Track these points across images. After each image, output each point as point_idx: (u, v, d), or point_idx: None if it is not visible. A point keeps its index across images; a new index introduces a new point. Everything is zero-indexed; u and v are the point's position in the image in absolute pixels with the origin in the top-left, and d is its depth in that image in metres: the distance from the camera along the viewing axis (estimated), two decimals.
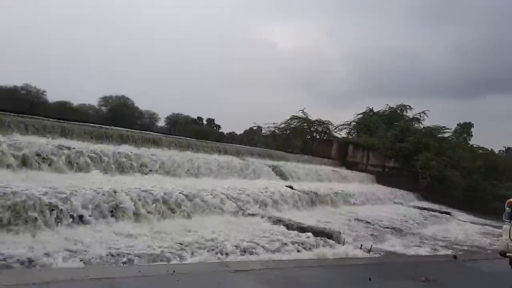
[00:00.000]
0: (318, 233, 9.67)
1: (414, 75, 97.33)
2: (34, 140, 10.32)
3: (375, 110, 38.55)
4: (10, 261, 5.22)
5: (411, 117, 37.33)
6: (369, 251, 9.19)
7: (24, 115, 12.36)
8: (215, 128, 58.59)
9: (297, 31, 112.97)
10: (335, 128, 37.11)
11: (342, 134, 37.66)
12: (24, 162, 9.27)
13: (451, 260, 8.35)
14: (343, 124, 38.03)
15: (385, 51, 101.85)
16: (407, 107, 37.52)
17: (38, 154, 9.64)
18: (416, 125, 36.26)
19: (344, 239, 9.78)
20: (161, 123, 54.75)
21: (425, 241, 12.37)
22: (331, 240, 9.31)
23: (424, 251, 10.75)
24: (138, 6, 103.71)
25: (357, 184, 23.57)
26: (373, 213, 15.70)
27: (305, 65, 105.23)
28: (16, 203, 6.50)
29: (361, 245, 9.47)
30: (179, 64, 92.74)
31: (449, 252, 10.81)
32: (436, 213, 20.32)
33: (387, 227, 13.37)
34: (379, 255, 9.24)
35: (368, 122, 36.38)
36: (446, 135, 34.80)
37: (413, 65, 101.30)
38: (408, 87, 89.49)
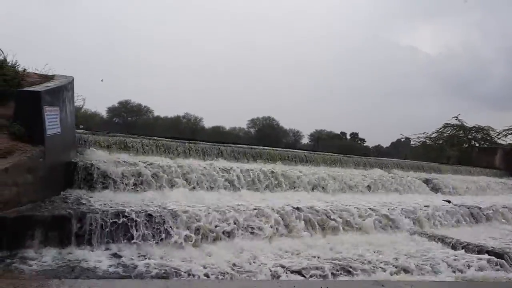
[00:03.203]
0: (485, 252, 8.61)
1: None
2: (195, 162, 11.60)
3: None
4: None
5: None
6: None
7: (186, 141, 13.94)
8: (359, 142, 57.39)
9: (440, 31, 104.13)
10: (497, 134, 32.97)
11: (508, 140, 33.19)
12: (190, 183, 10.40)
13: None
14: (508, 129, 33.50)
15: None
16: None
17: (199, 175, 10.73)
18: None
19: None
20: (305, 140, 55.81)
21: None
22: (501, 261, 8.18)
23: None
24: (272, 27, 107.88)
25: None
26: None
27: (454, 67, 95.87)
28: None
29: None
30: (319, 82, 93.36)
31: None
32: None
33: None
34: None
35: None
36: None
37: None
38: None
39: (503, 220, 13.61)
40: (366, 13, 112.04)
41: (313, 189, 12.92)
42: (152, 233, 6.89)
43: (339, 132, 57.00)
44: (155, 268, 5.81)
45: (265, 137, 44.95)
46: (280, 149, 17.31)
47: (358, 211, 10.07)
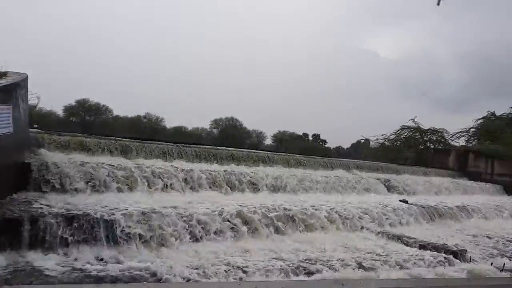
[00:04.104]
0: (439, 250, 8.97)
1: None
2: (155, 163, 11.39)
3: (497, 114, 35.00)
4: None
5: None
6: (501, 269, 8.21)
7: (146, 141, 13.66)
8: (321, 143, 58.30)
9: (400, 36, 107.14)
10: (451, 136, 34.50)
11: (460, 142, 34.76)
12: (149, 185, 10.17)
13: None
14: (460, 131, 35.11)
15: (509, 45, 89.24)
16: None
17: (159, 177, 10.53)
18: None
19: (470, 256, 8.90)
20: (268, 141, 56.03)
21: None
22: (454, 258, 8.55)
23: None
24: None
25: (481, 196, 21.39)
26: (504, 228, 14.05)
27: (413, 71, 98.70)
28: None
29: (492, 263, 8.52)
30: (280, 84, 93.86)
31: None
32: None
33: None
34: None
35: (490, 127, 33.10)
36: None
37: None
38: None
39: (457, 219, 14.20)
40: (329, 19, 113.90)
41: (274, 189, 12.98)
42: (108, 236, 6.70)
43: (301, 134, 57.69)
44: (112, 272, 5.66)
45: (228, 138, 44.79)
46: (242, 149, 17.30)
47: (317, 210, 10.23)
